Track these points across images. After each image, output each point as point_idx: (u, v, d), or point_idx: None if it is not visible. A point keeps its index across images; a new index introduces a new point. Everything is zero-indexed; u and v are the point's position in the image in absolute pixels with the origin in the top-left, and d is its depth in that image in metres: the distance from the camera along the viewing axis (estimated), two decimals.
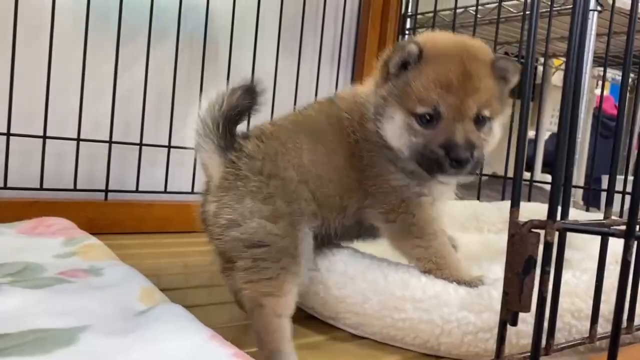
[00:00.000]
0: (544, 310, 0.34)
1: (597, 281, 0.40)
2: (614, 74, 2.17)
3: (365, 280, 0.58)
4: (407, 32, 1.39)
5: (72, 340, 0.45)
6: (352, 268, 0.60)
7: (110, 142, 1.04)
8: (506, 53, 1.73)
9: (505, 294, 0.34)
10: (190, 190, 1.16)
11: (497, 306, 0.51)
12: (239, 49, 1.20)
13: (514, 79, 0.57)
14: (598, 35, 1.02)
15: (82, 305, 0.53)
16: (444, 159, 0.53)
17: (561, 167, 0.34)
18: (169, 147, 1.11)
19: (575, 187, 1.02)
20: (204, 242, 1.04)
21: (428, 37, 0.60)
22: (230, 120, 0.63)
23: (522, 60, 1.48)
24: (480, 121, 0.55)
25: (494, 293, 0.54)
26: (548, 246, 0.33)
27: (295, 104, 1.28)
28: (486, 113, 0.54)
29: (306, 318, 0.66)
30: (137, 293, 0.58)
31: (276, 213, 0.55)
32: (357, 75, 1.39)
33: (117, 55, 1.03)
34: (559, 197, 0.33)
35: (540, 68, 1.96)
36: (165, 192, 1.13)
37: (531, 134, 2.02)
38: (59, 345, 0.44)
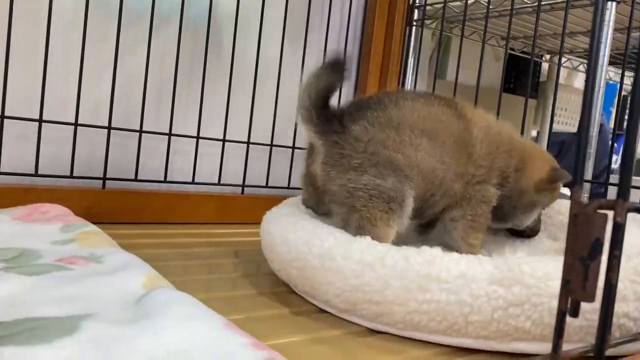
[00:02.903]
0: (613, 299, 0.31)
1: None
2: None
3: (385, 266, 0.55)
4: (414, 23, 1.36)
5: (73, 329, 0.41)
6: (370, 255, 0.56)
7: (109, 128, 1.00)
8: (512, 49, 1.70)
9: (565, 281, 0.31)
10: (190, 180, 1.12)
11: (528, 280, 0.50)
12: (243, 37, 1.16)
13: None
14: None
15: (83, 293, 0.49)
16: None
17: (631, 146, 0.30)
18: (170, 134, 1.08)
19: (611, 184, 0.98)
20: (205, 233, 1.02)
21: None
22: (323, 102, 0.69)
23: (529, 57, 1.44)
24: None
25: (525, 268, 0.51)
26: (618, 228, 0.30)
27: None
28: None
29: (318, 312, 0.63)
30: (142, 280, 0.55)
31: (383, 172, 0.65)
32: (363, 68, 1.36)
33: (118, 41, 0.99)
34: (630, 176, 0.30)
35: (545, 65, 1.94)
36: (165, 181, 1.09)
37: (534, 132, 2.00)
38: (59, 335, 0.40)
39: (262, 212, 0.80)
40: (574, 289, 0.31)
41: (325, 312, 0.62)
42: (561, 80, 1.91)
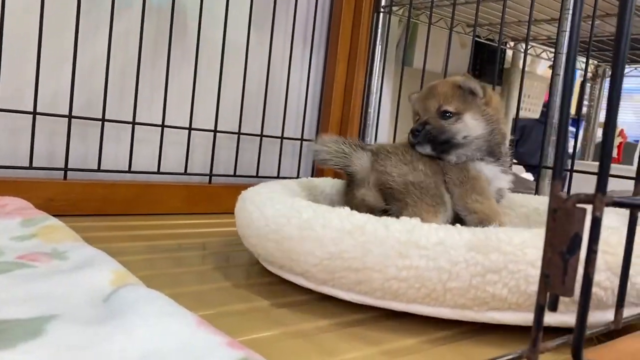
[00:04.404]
0: (589, 295, 0.31)
1: (624, 260, 0.37)
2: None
3: (365, 233, 0.54)
4: (382, 9, 1.35)
5: (37, 332, 0.39)
6: (350, 223, 0.56)
7: (70, 116, 0.96)
8: (478, 36, 1.71)
9: (544, 275, 0.31)
10: (156, 169, 1.09)
11: (505, 247, 0.51)
12: (208, 21, 1.13)
13: (475, 88, 0.79)
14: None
15: (47, 292, 0.47)
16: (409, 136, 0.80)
17: (610, 140, 0.30)
18: (133, 123, 1.04)
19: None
20: (171, 224, 1.00)
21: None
22: None
23: (496, 44, 1.45)
24: (444, 115, 0.79)
25: (501, 236, 0.52)
26: (597, 222, 0.30)
27: (267, 80, 1.23)
28: (449, 108, 0.79)
29: (294, 304, 0.62)
30: (109, 277, 0.53)
31: (424, 173, 0.78)
32: (331, 54, 1.34)
33: (78, 24, 0.95)
34: (608, 169, 0.30)
35: (509, 52, 1.97)
36: (129, 171, 1.06)
37: None
38: (24, 338, 0.38)
39: (231, 201, 0.78)
40: (554, 283, 0.31)
41: (301, 304, 0.62)
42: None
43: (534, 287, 0.50)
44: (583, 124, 2.23)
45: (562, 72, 0.96)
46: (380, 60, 1.36)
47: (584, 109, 2.35)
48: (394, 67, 1.58)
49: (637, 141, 2.03)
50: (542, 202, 0.88)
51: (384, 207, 0.76)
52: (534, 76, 2.02)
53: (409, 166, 0.77)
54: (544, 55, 1.92)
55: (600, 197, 0.30)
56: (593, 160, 2.18)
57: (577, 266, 0.30)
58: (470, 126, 0.79)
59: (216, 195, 1.15)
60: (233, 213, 0.76)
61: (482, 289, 0.51)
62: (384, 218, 0.56)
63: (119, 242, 0.83)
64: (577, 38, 0.33)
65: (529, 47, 1.83)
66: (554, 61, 0.96)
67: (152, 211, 1.06)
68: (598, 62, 2.13)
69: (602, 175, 0.30)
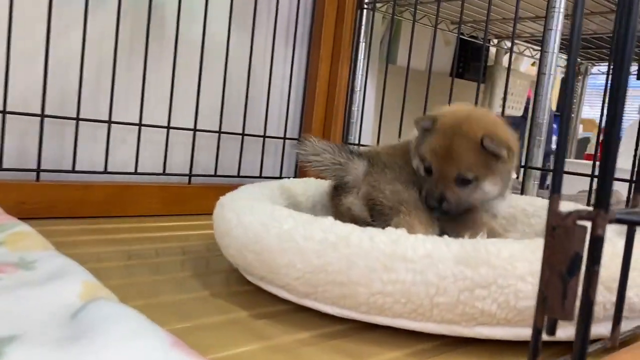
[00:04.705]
0: (591, 317, 0.29)
1: (622, 275, 0.36)
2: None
3: (349, 245, 0.52)
4: (365, 6, 1.33)
5: None
6: (333, 234, 0.53)
7: (43, 115, 0.93)
8: (462, 34, 1.70)
9: (542, 297, 0.28)
10: (133, 170, 1.06)
11: (494, 261, 0.48)
12: (187, 17, 1.10)
13: (501, 152, 0.70)
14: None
15: (8, 309, 0.44)
16: (424, 200, 0.73)
17: (612, 152, 0.28)
18: (109, 122, 1.01)
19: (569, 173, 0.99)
20: (149, 227, 0.97)
21: (445, 112, 0.77)
22: None
23: (479, 42, 1.45)
24: (463, 182, 0.72)
25: (491, 248, 0.50)
26: (598, 241, 0.28)
27: (249, 77, 1.20)
28: (468, 176, 0.71)
29: (275, 314, 0.59)
30: (79, 290, 0.50)
31: (404, 185, 0.75)
32: (314, 51, 1.32)
33: (50, 18, 0.91)
34: (610, 184, 0.28)
35: (492, 50, 1.96)
36: (105, 172, 1.02)
37: None
38: None
39: (211, 202, 0.75)
40: (552, 306, 0.29)
41: (282, 314, 0.59)
42: (507, 64, 1.93)
43: (524, 303, 0.48)
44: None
45: (547, 71, 0.95)
46: (364, 58, 1.33)
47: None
48: (377, 64, 1.56)
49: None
50: (529, 203, 0.87)
51: (369, 220, 0.74)
52: (516, 73, 2.01)
53: (404, 185, 0.74)
54: (527, 52, 1.91)
55: (603, 215, 0.28)
56: (576, 157, 2.19)
57: (577, 288, 0.28)
58: (487, 191, 0.73)
59: (196, 196, 1.12)
60: (213, 212, 0.73)
61: (471, 305, 0.49)
62: (369, 229, 0.54)
63: (94, 247, 0.80)
64: (578, 39, 0.31)
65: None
66: (540, 60, 0.95)
67: (129, 213, 1.03)
68: (580, 59, 2.14)
69: (603, 191, 0.28)
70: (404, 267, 0.50)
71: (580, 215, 0.28)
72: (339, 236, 0.53)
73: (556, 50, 0.94)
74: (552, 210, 0.29)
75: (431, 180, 0.73)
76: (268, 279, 0.59)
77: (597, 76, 2.27)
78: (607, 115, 0.29)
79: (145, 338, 0.40)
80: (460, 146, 0.71)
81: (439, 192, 0.72)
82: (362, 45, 1.33)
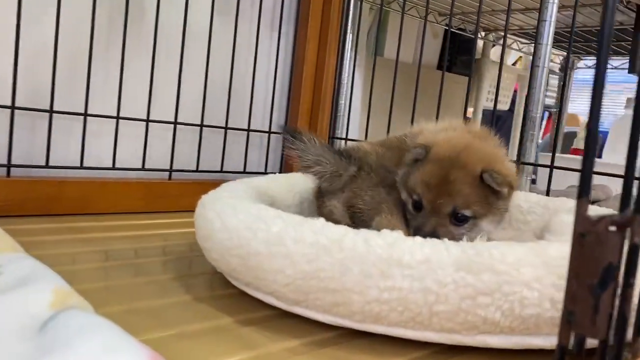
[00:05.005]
0: (624, 335, 0.26)
1: None
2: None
3: (343, 249, 0.48)
4: None
5: None
6: (325, 237, 0.49)
7: (13, 107, 0.87)
8: (447, 25, 1.67)
9: (568, 312, 0.25)
10: (110, 165, 1.01)
11: (499, 266, 0.45)
12: (167, 3, 1.05)
13: (502, 189, 0.65)
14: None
15: None
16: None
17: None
18: (85, 114, 0.96)
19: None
20: (127, 225, 0.92)
21: (440, 141, 0.69)
22: None
23: (467, 34, 1.42)
24: (460, 218, 0.65)
25: (494, 252, 0.46)
26: (635, 250, 0.25)
27: (232, 68, 1.15)
28: (466, 213, 0.65)
29: (264, 319, 0.56)
30: (49, 298, 0.45)
31: (388, 190, 0.70)
32: (300, 41, 1.27)
33: (20, 3, 0.85)
34: None
35: (479, 43, 1.93)
36: (80, 167, 0.97)
37: (470, 110, 2.00)
38: None
39: (193, 199, 0.71)
40: (580, 322, 0.26)
41: (269, 320, 0.56)
42: (494, 58, 1.91)
43: (530, 311, 0.45)
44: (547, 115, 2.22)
45: (541, 64, 0.92)
46: (351, 49, 1.30)
47: (552, 101, 2.35)
48: (365, 56, 1.52)
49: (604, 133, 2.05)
50: (523, 199, 0.84)
51: (349, 224, 0.70)
52: (504, 67, 1.99)
53: (387, 190, 0.70)
54: (514, 45, 1.89)
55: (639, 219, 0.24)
56: (562, 152, 2.18)
57: (611, 303, 0.25)
58: (485, 229, 0.67)
59: (177, 193, 1.07)
60: (194, 211, 0.69)
61: (473, 313, 0.46)
62: (363, 231, 0.50)
63: (68, 248, 0.75)
64: (608, 36, 0.27)
65: (500, 38, 1.81)
66: (534, 52, 0.92)
67: (106, 210, 0.98)
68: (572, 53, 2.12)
69: None
70: (401, 273, 0.46)
71: (614, 220, 0.25)
72: (330, 239, 0.49)
73: (550, 42, 0.92)
74: (581, 215, 0.25)
75: (420, 216, 0.66)
76: (254, 285, 0.55)
77: (579, 70, 2.26)
78: (632, 130, 0.26)
79: (120, 353, 0.36)
80: (457, 179, 0.64)
81: (431, 228, 0.65)
82: (349, 37, 1.29)
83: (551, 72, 2.14)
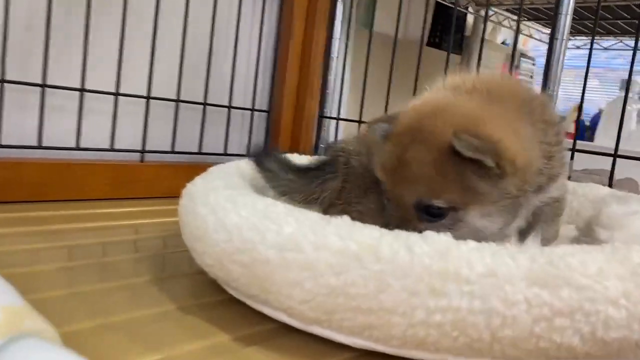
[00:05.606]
0: None
1: None
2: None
3: (380, 259, 0.38)
4: None
5: None
6: (354, 242, 0.39)
7: None
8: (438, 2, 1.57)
9: None
10: (74, 145, 0.89)
11: (579, 279, 0.36)
12: None
13: (483, 158, 0.44)
14: None
15: None
16: None
17: None
18: (43, 86, 0.83)
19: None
20: (94, 214, 0.80)
21: (409, 108, 0.52)
22: None
23: (462, 9, 1.33)
24: (432, 212, 0.47)
25: (572, 261, 0.37)
26: None
27: (212, 38, 1.03)
28: (438, 204, 0.47)
29: (266, 333, 0.46)
30: None
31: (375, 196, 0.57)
32: (286, 9, 1.16)
33: None
34: None
35: (469, 19, 1.84)
36: (39, 147, 0.85)
37: None
38: None
39: (167, 183, 0.61)
40: None
41: (274, 336, 0.46)
42: (488, 37, 1.83)
43: (614, 334, 0.36)
44: None
45: (560, 36, 0.83)
46: (342, 21, 1.19)
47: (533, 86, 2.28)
48: (355, 29, 1.41)
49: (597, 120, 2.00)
50: None
51: None
52: (492, 45, 1.91)
53: (379, 193, 0.57)
54: (505, 23, 1.81)
55: None
56: None
57: None
58: (477, 227, 0.48)
59: (149, 176, 0.95)
60: (170, 197, 0.58)
61: (547, 338, 0.36)
62: (404, 234, 0.40)
63: (24, 243, 0.64)
64: None
65: (492, 14, 1.72)
66: (553, 24, 0.83)
67: (69, 197, 0.86)
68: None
69: None
70: (458, 290, 0.36)
71: None
72: (362, 245, 0.39)
73: (570, 12, 0.83)
74: None
75: (390, 210, 0.51)
76: (262, 298, 0.44)
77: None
78: None
79: None
80: (416, 157, 0.47)
81: (394, 226, 0.46)
82: (339, 6, 1.18)
83: (523, 55, 2.06)
